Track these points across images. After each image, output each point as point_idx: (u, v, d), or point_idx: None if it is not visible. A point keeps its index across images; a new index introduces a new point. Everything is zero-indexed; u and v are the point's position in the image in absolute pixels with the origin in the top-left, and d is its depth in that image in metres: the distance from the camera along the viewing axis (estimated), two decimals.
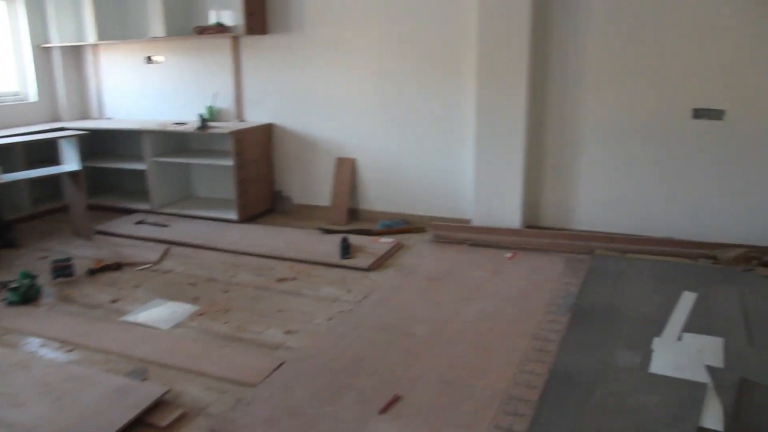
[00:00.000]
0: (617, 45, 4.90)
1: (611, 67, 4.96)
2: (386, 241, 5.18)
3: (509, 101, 5.03)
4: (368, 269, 4.68)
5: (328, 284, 4.43)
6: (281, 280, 4.53)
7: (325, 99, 5.92)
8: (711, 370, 3.13)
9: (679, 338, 3.52)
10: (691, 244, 4.88)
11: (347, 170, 5.95)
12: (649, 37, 4.82)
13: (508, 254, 4.93)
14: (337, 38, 5.72)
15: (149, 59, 6.75)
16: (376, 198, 5.96)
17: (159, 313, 4.04)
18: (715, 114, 4.78)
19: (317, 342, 3.58)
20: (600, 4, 4.87)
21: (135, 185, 6.99)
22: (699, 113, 4.82)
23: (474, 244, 5.18)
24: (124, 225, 6.03)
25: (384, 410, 2.88)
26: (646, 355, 3.30)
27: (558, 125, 5.21)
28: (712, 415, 2.75)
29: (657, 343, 3.43)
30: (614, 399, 2.92)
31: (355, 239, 5.16)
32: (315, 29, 5.79)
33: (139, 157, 6.48)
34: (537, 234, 5.17)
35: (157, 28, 6.16)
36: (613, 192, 5.19)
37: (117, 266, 4.82)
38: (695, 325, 3.67)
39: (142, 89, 6.89)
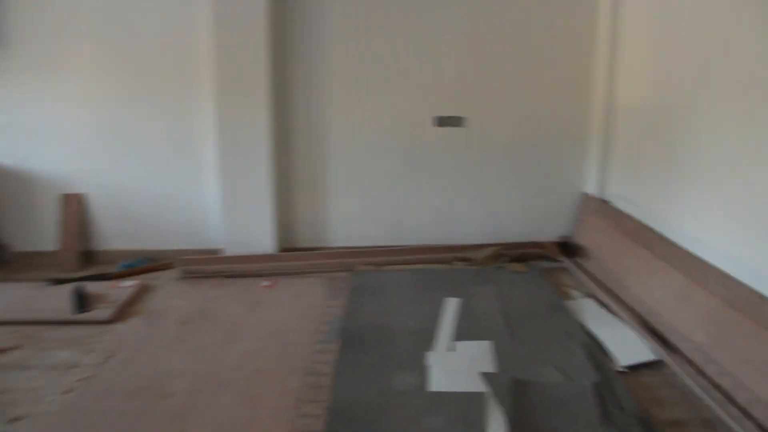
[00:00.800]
0: (359, 57, 4.80)
1: (354, 79, 4.84)
2: (129, 285, 4.45)
3: (251, 119, 4.64)
4: (110, 321, 3.92)
5: (62, 347, 3.59)
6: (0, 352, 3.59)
7: (43, 128, 4.91)
8: (486, 376, 3.06)
9: (451, 348, 3.42)
10: (444, 248, 4.95)
11: (74, 207, 5.04)
12: (389, 48, 4.79)
13: (266, 282, 4.53)
14: (49, 56, 4.77)
15: None
16: (114, 236, 5.13)
17: None
18: (456, 121, 4.91)
19: (51, 427, 2.82)
20: (339, 17, 4.73)
21: None
22: (442, 121, 4.91)
23: (228, 276, 4.68)
24: None
25: None
26: (424, 373, 3.14)
27: (304, 141, 4.96)
28: (497, 424, 2.65)
29: (431, 358, 3.30)
30: (401, 427, 2.68)
31: (91, 287, 4.33)
32: (21, 46, 4.78)
33: None
34: (293, 257, 4.85)
35: None
36: (365, 204, 5.08)
37: None
38: (463, 331, 3.63)
39: None
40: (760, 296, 2.96)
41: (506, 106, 4.93)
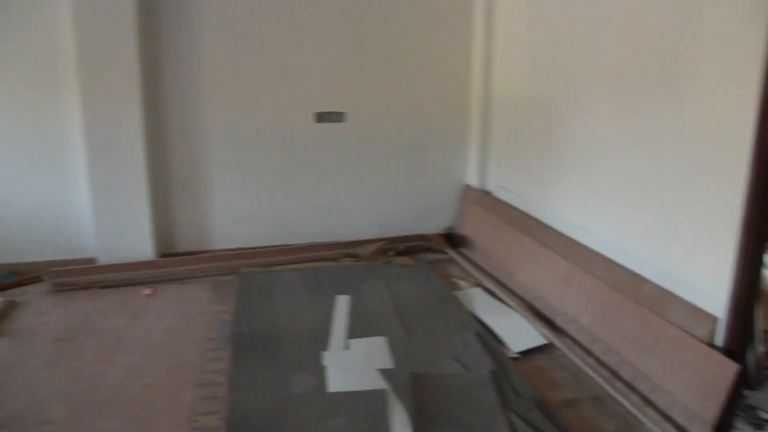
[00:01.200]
0: (237, 51, 4.64)
1: (231, 77, 4.68)
2: None
3: (122, 118, 4.35)
4: None
5: None
6: None
7: None
8: (384, 373, 3.07)
9: (347, 347, 3.41)
10: (332, 245, 4.92)
11: None
12: (268, 43, 4.67)
13: (147, 291, 4.30)
14: None
15: None
16: None
17: None
18: (336, 117, 4.89)
19: None
20: (216, 9, 4.54)
21: None
22: (322, 117, 4.87)
23: (104, 286, 4.38)
24: None
25: None
26: (321, 374, 3.10)
27: (181, 140, 4.73)
28: (399, 421, 2.66)
29: (327, 358, 3.26)
30: (303, 431, 2.64)
31: None
32: None
33: None
34: (175, 262, 4.63)
35: None
36: (247, 204, 4.93)
37: None
38: (357, 328, 3.62)
39: None
40: (638, 277, 3.18)
41: (387, 100, 4.98)
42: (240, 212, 4.93)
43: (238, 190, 4.89)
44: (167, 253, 4.82)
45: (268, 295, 4.13)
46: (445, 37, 5.00)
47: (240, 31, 4.63)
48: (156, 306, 4.05)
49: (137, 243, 4.60)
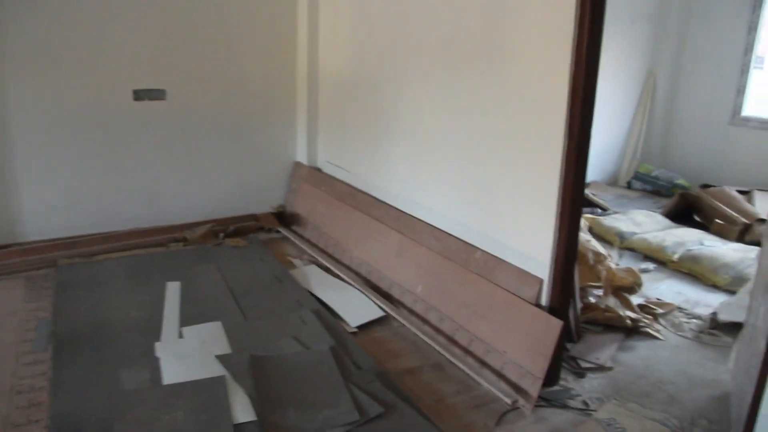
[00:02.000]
0: (42, 27, 4.17)
1: (37, 52, 4.20)
2: None
3: None
4: None
5: None
6: None
7: None
8: (222, 359, 3.02)
9: (180, 335, 3.30)
10: (158, 230, 4.71)
11: None
12: (77, 16, 4.25)
13: None
14: None
15: None
16: None
17: None
18: (156, 94, 4.62)
19: None
20: None
21: None
22: (140, 94, 4.57)
23: None
24: None
25: None
26: (155, 367, 2.98)
27: None
28: (241, 406, 2.64)
29: (160, 349, 3.14)
30: (139, 429, 2.52)
31: None
32: None
33: None
34: None
35: None
36: (62, 190, 4.51)
37: None
38: (190, 315, 3.51)
39: None
40: (468, 245, 3.38)
41: (211, 76, 4.80)
42: (55, 200, 4.50)
43: (50, 176, 4.45)
44: None
45: (92, 287, 3.87)
46: (270, 13, 4.91)
47: (45, 14, 4.17)
48: None
49: None
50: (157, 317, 3.48)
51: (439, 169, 3.65)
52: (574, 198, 2.86)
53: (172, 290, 3.82)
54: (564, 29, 2.69)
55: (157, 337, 3.26)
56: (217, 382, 2.81)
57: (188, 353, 3.10)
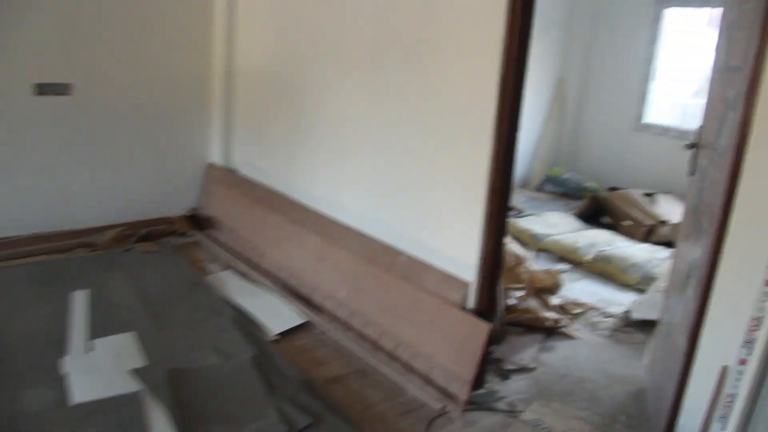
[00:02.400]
0: None
1: None
2: None
3: None
4: None
5: None
6: None
7: None
8: (137, 373, 2.84)
9: (90, 349, 3.08)
10: (64, 235, 4.40)
11: None
12: None
13: None
14: None
15: None
16: None
17: None
18: (61, 89, 4.29)
19: None
20: None
21: None
22: (43, 89, 4.23)
23: None
24: None
25: None
26: (61, 385, 2.76)
27: None
28: (160, 424, 2.49)
29: (68, 364, 2.92)
30: None
31: None
32: None
33: None
34: None
35: None
36: None
37: None
38: (100, 326, 3.29)
39: None
40: (392, 249, 3.34)
41: (120, 71, 4.51)
42: None
43: None
44: None
45: None
46: (185, 7, 4.69)
47: None
48: None
49: None
50: (63, 330, 3.23)
51: (363, 171, 3.59)
52: (502, 201, 2.88)
53: (80, 300, 3.56)
54: (495, 29, 2.69)
55: (64, 352, 3.03)
56: (132, 399, 2.64)
57: (99, 368, 2.90)
